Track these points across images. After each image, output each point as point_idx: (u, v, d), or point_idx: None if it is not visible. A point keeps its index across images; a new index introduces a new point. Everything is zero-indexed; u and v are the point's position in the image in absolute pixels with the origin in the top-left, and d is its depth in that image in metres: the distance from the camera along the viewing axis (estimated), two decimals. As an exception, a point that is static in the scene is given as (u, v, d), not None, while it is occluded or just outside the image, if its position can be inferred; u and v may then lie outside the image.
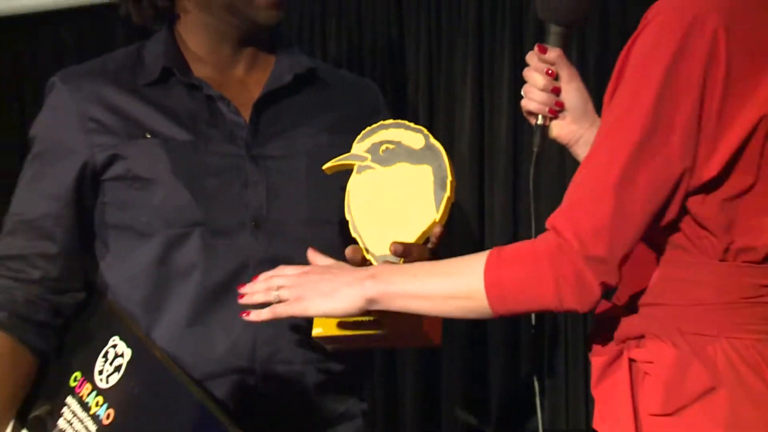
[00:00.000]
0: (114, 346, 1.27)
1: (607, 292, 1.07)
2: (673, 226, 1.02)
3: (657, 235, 1.04)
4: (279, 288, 1.15)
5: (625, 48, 1.05)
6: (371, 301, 1.08)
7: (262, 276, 1.16)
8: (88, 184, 1.34)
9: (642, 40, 1.02)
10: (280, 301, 1.13)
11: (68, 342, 1.35)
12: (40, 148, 1.37)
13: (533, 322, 1.27)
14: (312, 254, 1.18)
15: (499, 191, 2.04)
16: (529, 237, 1.09)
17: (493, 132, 2.08)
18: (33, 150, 1.38)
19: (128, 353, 1.25)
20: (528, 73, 1.22)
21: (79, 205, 1.34)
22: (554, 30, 1.22)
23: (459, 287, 1.06)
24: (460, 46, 2.11)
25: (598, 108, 1.15)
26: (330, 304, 1.12)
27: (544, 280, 0.99)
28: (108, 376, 1.24)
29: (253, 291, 1.15)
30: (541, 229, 1.04)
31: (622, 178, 0.98)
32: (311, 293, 1.13)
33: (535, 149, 1.20)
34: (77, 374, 1.28)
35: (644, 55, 1.01)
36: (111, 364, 1.25)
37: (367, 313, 1.12)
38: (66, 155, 1.33)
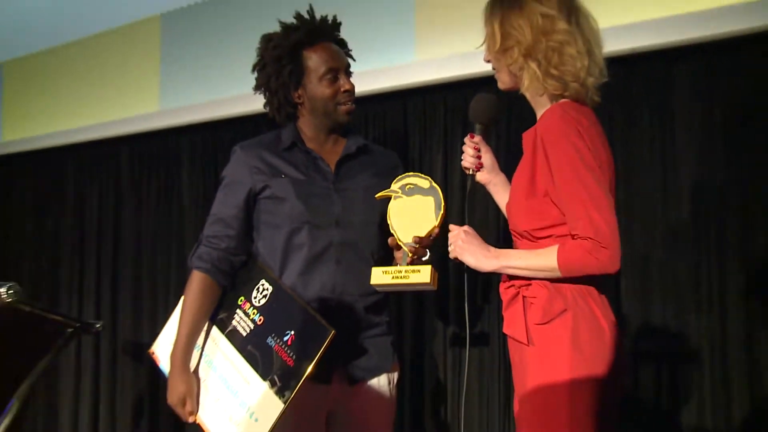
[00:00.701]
0: (262, 284, 1.92)
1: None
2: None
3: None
4: (455, 240, 1.67)
5: (533, 143, 1.56)
6: (494, 270, 1.61)
7: (451, 233, 1.68)
8: (251, 200, 2.00)
9: (549, 143, 1.51)
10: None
11: (238, 281, 1.98)
12: (227, 181, 2.02)
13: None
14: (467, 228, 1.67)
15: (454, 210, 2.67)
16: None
17: (451, 181, 2.78)
18: (223, 182, 2.03)
19: (270, 288, 1.90)
20: (465, 148, 1.80)
21: (246, 210, 2.00)
22: (477, 126, 1.82)
23: (546, 263, 1.52)
24: (435, 138, 2.83)
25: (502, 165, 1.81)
26: (473, 263, 1.63)
27: (588, 261, 1.45)
28: (259, 300, 1.90)
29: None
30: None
31: (601, 206, 1.46)
32: (467, 251, 1.64)
33: (468, 187, 1.81)
34: (242, 298, 1.94)
35: (559, 151, 1.50)
36: (260, 293, 1.91)
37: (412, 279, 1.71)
38: (241, 184, 1.99)
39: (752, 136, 2.26)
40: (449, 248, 1.68)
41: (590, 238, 1.44)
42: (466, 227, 1.68)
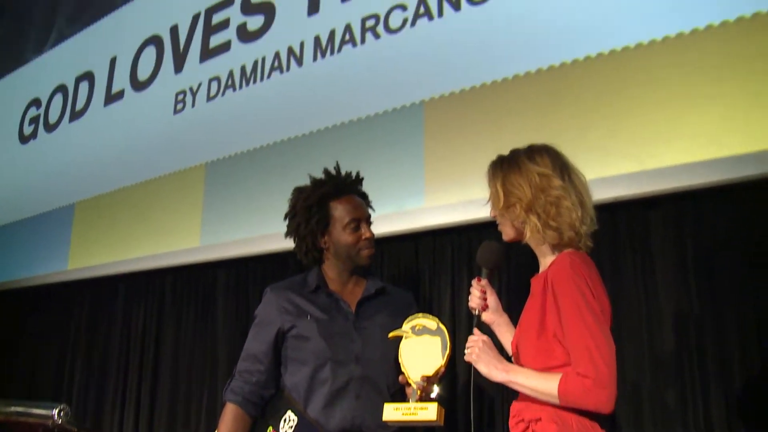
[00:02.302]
0: (289, 415, 1.91)
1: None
2: None
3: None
4: (473, 347, 1.63)
5: (543, 290, 1.55)
6: (502, 382, 1.57)
7: (471, 338, 1.64)
8: (280, 338, 2.00)
9: (560, 290, 1.51)
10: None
11: (267, 412, 1.97)
12: (259, 320, 2.04)
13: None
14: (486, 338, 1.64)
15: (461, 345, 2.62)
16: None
17: (459, 316, 2.70)
18: (255, 321, 2.05)
19: (295, 419, 1.89)
20: (472, 290, 1.79)
21: (275, 347, 2.01)
22: (484, 270, 1.81)
23: (547, 389, 1.48)
24: (444, 276, 2.79)
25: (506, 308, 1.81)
26: (485, 371, 1.59)
27: (586, 398, 1.43)
28: (286, 429, 1.89)
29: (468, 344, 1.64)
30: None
31: (603, 349, 1.44)
32: (482, 360, 1.60)
33: (474, 326, 1.73)
34: (270, 427, 1.92)
35: (567, 298, 1.49)
36: (287, 423, 1.90)
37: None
38: (271, 324, 2.01)
39: (720, 271, 2.25)
40: (466, 350, 1.65)
41: (591, 378, 1.42)
42: (485, 337, 1.65)
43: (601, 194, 2.26)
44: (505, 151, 1.77)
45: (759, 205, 2.18)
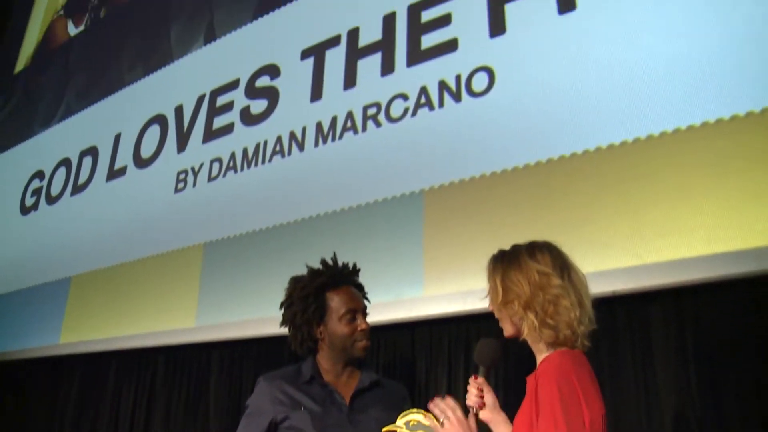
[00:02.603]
0: None
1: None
2: None
3: None
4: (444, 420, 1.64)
5: (533, 388, 1.51)
6: None
7: (445, 404, 1.65)
8: (273, 429, 1.94)
9: (541, 388, 1.48)
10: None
11: None
12: (251, 410, 1.99)
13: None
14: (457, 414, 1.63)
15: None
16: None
17: None
18: (247, 411, 2.00)
19: None
20: (469, 388, 1.76)
21: None
22: (481, 368, 1.78)
23: None
24: (440, 367, 2.73)
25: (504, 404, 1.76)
26: None
27: None
28: None
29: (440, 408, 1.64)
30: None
31: None
32: None
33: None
34: None
35: (546, 399, 1.46)
36: None
37: None
38: (263, 414, 1.96)
39: (722, 368, 2.21)
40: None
41: None
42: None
43: (599, 288, 2.24)
44: (504, 243, 1.76)
45: (759, 301, 2.16)
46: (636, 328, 2.42)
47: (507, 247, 1.74)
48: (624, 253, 2.34)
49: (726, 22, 2.36)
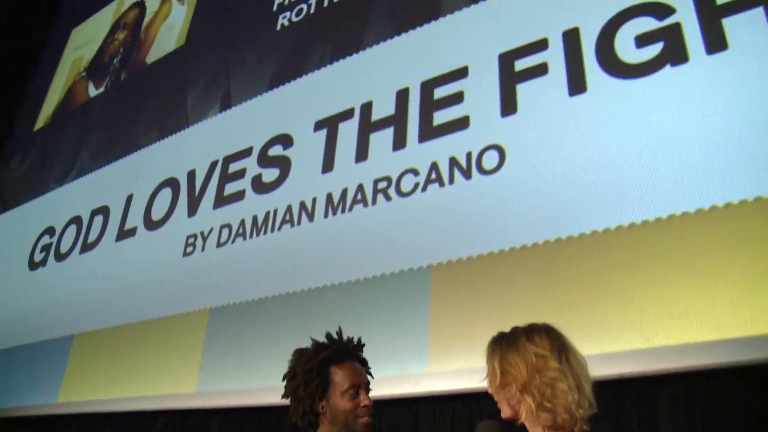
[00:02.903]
0: None
1: None
2: None
3: None
4: None
5: None
6: None
7: None
8: None
9: None
10: None
11: None
12: None
13: None
14: None
15: None
16: None
17: None
18: None
19: None
20: None
21: None
22: None
23: None
24: None
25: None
26: None
27: None
28: None
29: None
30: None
31: None
32: None
33: None
34: None
35: None
36: None
37: None
38: None
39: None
40: None
41: None
42: None
43: (606, 371, 2.26)
44: (510, 321, 1.75)
45: (768, 389, 2.12)
46: (643, 413, 2.37)
47: (512, 325, 1.73)
48: (631, 335, 2.32)
49: (736, 107, 2.40)
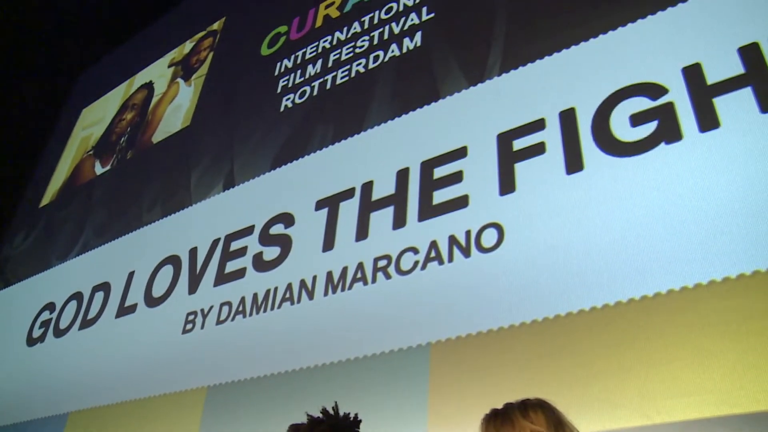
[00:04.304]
0: None
1: None
2: None
3: None
4: None
5: None
6: None
7: None
8: None
9: None
10: None
11: None
12: None
13: None
14: None
15: None
16: None
17: None
18: None
19: None
20: None
21: None
22: None
23: None
24: None
25: None
26: None
27: None
28: None
29: None
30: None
31: None
32: None
33: None
34: None
35: None
36: None
37: None
38: None
39: None
40: None
41: None
42: None
43: None
44: (511, 398, 1.72)
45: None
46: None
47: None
48: (633, 412, 2.27)
49: (731, 182, 2.42)
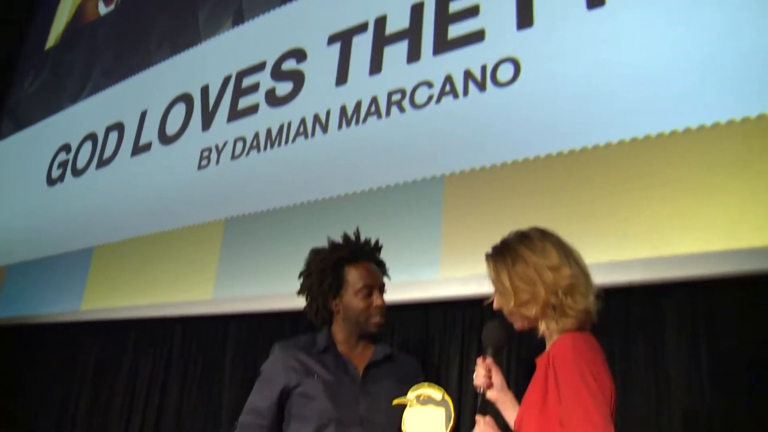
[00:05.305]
0: None
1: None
2: None
3: None
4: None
5: (545, 370, 1.50)
6: None
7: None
8: (285, 395, 1.94)
9: (558, 370, 1.46)
10: None
11: None
12: (264, 376, 1.98)
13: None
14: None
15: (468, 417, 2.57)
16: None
17: (466, 388, 2.61)
18: (261, 376, 2.00)
19: None
20: (477, 368, 1.74)
21: (279, 404, 1.94)
22: (489, 350, 1.76)
23: None
24: (453, 348, 2.72)
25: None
26: None
27: None
28: None
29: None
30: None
31: (596, 421, 1.37)
32: None
33: (479, 404, 1.71)
34: None
35: (566, 379, 1.44)
36: None
37: None
38: (276, 380, 1.95)
39: (734, 364, 2.19)
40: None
41: None
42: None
43: (614, 278, 2.28)
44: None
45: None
46: (649, 320, 2.39)
47: None
48: (640, 244, 2.32)
49: (761, 18, 2.33)
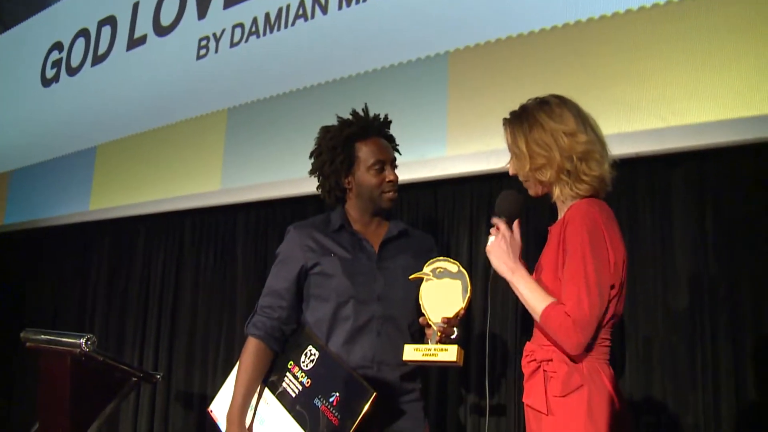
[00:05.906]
0: (310, 350, 1.84)
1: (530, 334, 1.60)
2: None
3: None
4: (496, 238, 1.59)
5: (559, 233, 1.51)
6: (507, 280, 1.55)
7: (494, 230, 1.59)
8: (303, 275, 1.93)
9: (570, 231, 1.47)
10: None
11: (287, 347, 1.90)
12: (282, 257, 1.97)
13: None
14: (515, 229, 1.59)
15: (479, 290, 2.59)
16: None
17: (476, 264, 2.70)
18: (278, 258, 1.98)
19: (317, 353, 1.82)
20: (490, 238, 1.62)
21: (298, 284, 1.93)
22: (503, 219, 1.63)
23: (535, 305, 1.48)
24: (462, 225, 2.78)
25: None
26: (494, 263, 1.58)
27: (560, 335, 1.43)
28: (307, 364, 1.82)
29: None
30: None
31: (593, 293, 1.40)
32: (494, 253, 1.58)
33: (491, 273, 1.65)
34: (291, 362, 1.85)
35: (576, 240, 1.45)
36: (308, 357, 1.83)
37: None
38: (294, 261, 1.93)
39: (739, 232, 2.23)
40: (489, 240, 1.61)
41: (572, 318, 1.40)
42: (509, 232, 1.59)
43: (622, 149, 2.25)
44: None
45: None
46: (657, 190, 2.42)
47: None
48: (648, 115, 2.30)
49: None
